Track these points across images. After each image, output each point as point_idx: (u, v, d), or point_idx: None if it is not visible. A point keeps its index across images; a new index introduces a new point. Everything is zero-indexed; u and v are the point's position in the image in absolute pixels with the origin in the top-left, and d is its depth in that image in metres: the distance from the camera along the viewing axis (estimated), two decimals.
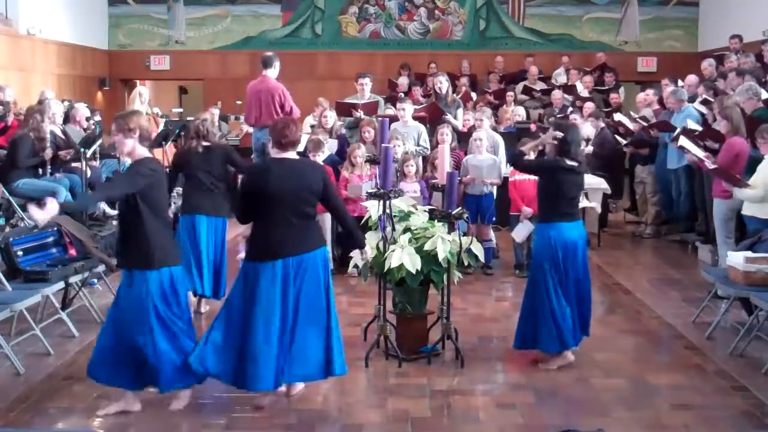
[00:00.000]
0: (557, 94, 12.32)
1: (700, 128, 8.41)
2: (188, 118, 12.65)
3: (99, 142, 9.21)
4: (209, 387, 5.23)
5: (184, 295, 4.83)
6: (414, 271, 5.46)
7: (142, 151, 4.66)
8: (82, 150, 8.45)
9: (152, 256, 4.55)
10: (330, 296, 4.83)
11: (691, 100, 9.63)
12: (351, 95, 9.87)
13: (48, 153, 8.33)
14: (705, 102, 9.30)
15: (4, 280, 5.90)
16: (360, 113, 9.20)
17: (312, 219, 4.83)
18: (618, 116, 10.72)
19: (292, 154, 4.84)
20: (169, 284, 4.61)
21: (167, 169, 6.68)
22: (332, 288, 4.88)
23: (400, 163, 8.06)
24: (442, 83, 9.99)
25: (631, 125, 10.38)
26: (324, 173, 4.91)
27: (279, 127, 4.83)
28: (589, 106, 11.14)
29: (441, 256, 5.52)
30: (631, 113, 10.99)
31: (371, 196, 5.79)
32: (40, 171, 8.48)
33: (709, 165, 7.29)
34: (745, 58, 10.21)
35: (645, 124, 9.99)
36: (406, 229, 5.75)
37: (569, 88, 12.91)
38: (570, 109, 11.49)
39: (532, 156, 6.18)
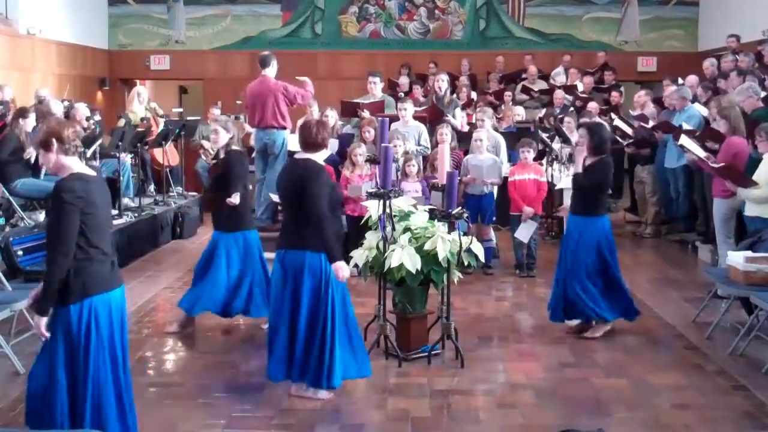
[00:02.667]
0: (559, 94, 12.30)
1: (698, 131, 8.40)
2: (188, 118, 12.67)
3: (99, 141, 9.22)
4: (209, 387, 5.24)
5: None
6: (414, 271, 5.46)
7: (71, 164, 3.86)
8: (82, 150, 8.44)
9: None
10: (302, 301, 4.88)
11: (692, 100, 9.63)
12: (356, 95, 9.88)
13: (29, 152, 8.26)
14: (706, 102, 9.30)
15: (4, 280, 5.91)
16: (366, 113, 9.18)
17: (303, 220, 4.89)
18: (616, 121, 10.63)
19: (313, 155, 5.04)
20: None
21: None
22: (324, 292, 4.89)
23: (402, 163, 8.06)
24: (443, 82, 9.99)
25: (629, 129, 10.34)
26: (306, 176, 4.86)
27: (304, 128, 5.11)
28: (592, 106, 11.07)
29: (441, 256, 5.51)
30: (630, 111, 10.98)
31: (371, 196, 5.79)
32: (43, 172, 8.50)
33: (715, 164, 7.23)
34: (744, 58, 10.21)
35: (646, 125, 9.98)
36: (406, 229, 5.75)
37: (570, 88, 12.90)
38: (570, 109, 11.48)
39: (579, 168, 6.33)
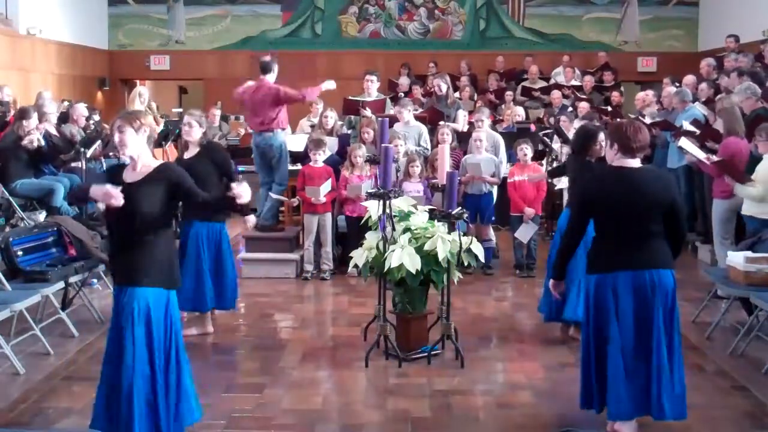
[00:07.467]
0: (556, 95, 12.30)
1: (698, 131, 8.38)
2: None
3: (99, 142, 9.22)
4: (209, 387, 5.23)
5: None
6: (414, 271, 5.46)
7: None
8: (82, 150, 8.46)
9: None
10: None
11: (693, 100, 9.63)
12: (352, 95, 9.83)
13: (29, 139, 8.26)
14: (707, 102, 9.30)
15: (4, 280, 5.90)
16: (368, 111, 9.16)
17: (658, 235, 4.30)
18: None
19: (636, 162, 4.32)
20: None
21: None
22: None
23: (405, 163, 8.06)
24: (441, 86, 9.99)
25: None
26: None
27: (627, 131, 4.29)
28: (583, 106, 10.98)
29: (441, 256, 5.51)
30: (630, 116, 10.99)
31: (371, 196, 5.79)
32: (45, 171, 8.55)
33: (712, 158, 7.20)
34: (743, 58, 10.21)
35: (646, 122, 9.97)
36: (406, 229, 5.75)
37: (573, 90, 12.87)
38: (569, 109, 11.48)
39: None
